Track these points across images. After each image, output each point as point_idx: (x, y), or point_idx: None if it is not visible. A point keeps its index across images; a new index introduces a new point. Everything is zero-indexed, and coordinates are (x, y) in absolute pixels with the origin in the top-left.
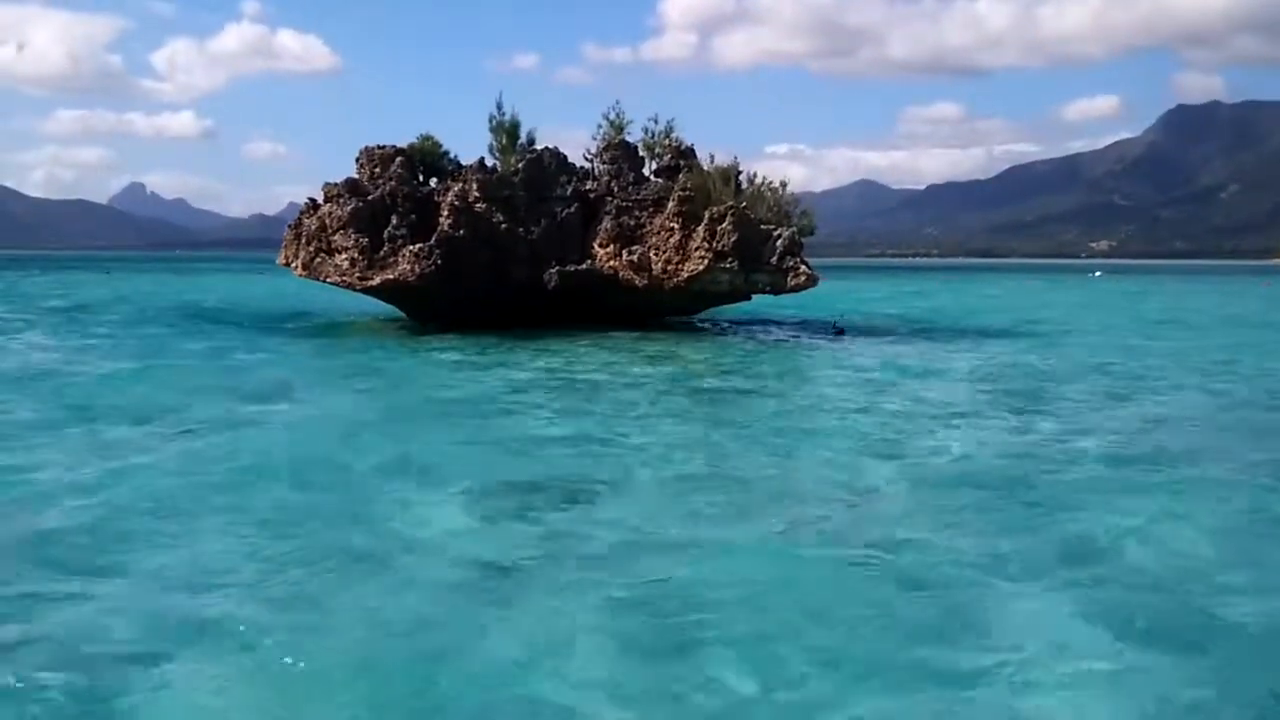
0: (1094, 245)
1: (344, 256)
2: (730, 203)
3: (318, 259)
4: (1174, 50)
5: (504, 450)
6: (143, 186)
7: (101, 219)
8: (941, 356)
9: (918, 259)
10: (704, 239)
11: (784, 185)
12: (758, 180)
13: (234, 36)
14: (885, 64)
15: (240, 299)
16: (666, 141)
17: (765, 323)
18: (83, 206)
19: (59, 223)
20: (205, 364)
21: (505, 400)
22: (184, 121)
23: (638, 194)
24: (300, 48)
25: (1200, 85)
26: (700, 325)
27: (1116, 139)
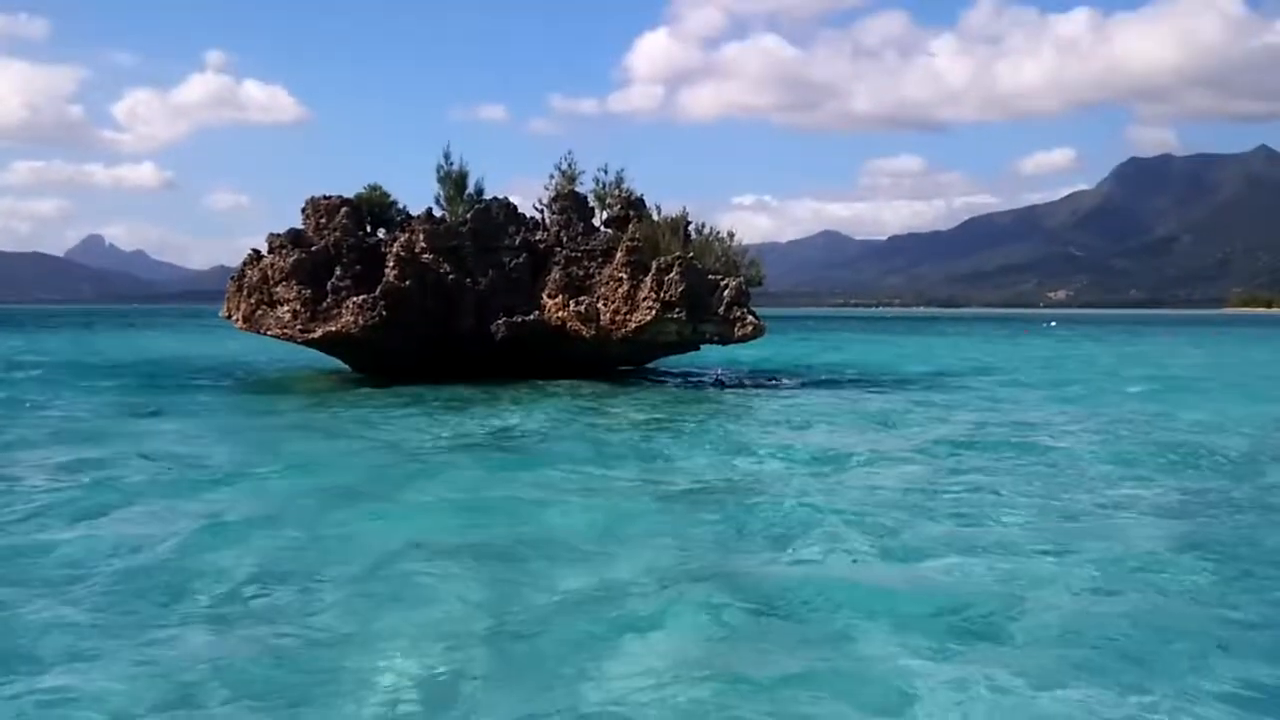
0: (1052, 295)
1: (286, 309)
2: (678, 253)
3: (259, 311)
4: (1127, 104)
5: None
6: (101, 238)
7: (58, 271)
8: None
9: (879, 308)
10: (652, 289)
11: (731, 235)
12: (706, 230)
13: (198, 87)
14: (848, 118)
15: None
16: (617, 191)
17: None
18: (38, 259)
19: (14, 276)
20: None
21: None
22: (144, 173)
23: (587, 244)
24: (266, 98)
25: (1153, 138)
26: (654, 375)
27: (1072, 190)
